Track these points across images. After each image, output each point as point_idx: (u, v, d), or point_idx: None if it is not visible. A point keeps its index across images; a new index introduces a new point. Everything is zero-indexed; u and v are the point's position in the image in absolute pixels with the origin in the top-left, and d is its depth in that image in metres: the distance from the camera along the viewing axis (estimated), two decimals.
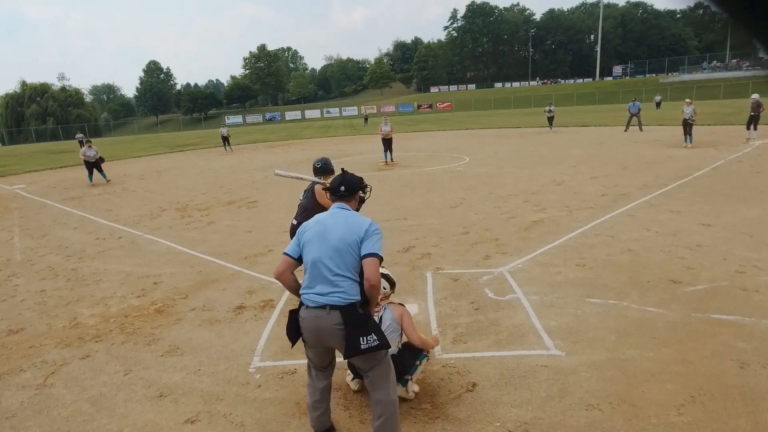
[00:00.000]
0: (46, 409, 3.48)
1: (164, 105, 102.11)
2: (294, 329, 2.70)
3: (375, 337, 2.56)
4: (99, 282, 6.20)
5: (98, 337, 4.59)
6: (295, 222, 4.87)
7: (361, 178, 2.96)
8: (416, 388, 3.38)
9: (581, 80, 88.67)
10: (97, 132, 78.17)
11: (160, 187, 14.42)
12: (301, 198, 5.07)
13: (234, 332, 4.52)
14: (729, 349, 3.70)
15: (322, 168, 4.90)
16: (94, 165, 15.89)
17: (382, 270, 3.16)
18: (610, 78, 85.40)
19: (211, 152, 27.14)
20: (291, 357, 3.99)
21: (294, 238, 2.78)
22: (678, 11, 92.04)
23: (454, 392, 3.37)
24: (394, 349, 3.19)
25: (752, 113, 16.48)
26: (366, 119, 45.58)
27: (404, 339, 3.33)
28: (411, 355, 3.29)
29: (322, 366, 2.86)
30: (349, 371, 3.51)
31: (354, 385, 3.49)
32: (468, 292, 5.10)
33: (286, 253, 2.74)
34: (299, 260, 2.71)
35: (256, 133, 44.16)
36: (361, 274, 2.62)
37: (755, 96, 16.71)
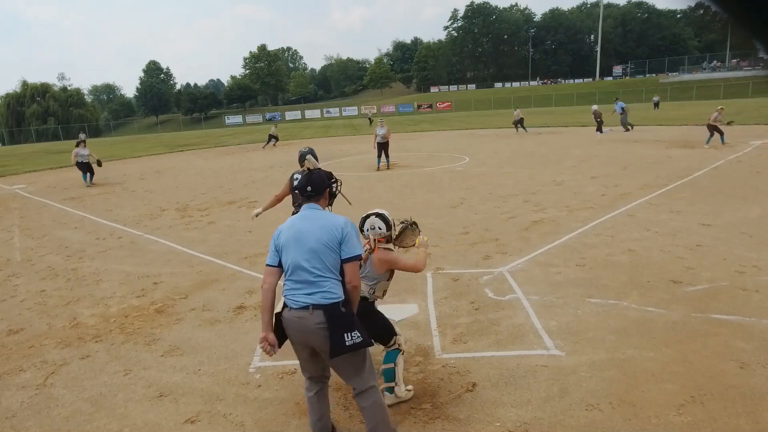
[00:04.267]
0: (46, 409, 3.48)
1: (164, 105, 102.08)
2: (280, 331, 2.69)
3: (359, 334, 2.55)
4: (99, 282, 6.21)
5: (98, 337, 4.59)
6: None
7: (329, 173, 2.91)
8: (407, 388, 3.37)
9: (581, 80, 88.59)
10: (98, 132, 78.25)
11: (160, 187, 14.42)
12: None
13: (234, 332, 4.52)
14: (729, 349, 3.70)
15: (299, 157, 5.13)
16: (87, 166, 15.70)
17: (378, 210, 3.31)
18: (610, 78, 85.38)
19: (212, 152, 27.15)
20: (291, 357, 3.97)
21: (270, 245, 2.74)
22: (678, 11, 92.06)
23: (454, 392, 3.37)
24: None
25: (597, 120, 21.28)
26: (371, 120, 45.40)
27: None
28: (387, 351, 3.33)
29: (313, 374, 2.83)
30: None
31: None
32: (468, 292, 5.10)
33: (268, 264, 2.71)
34: (281, 266, 2.69)
35: (257, 133, 44.15)
36: (342, 273, 2.64)
37: (595, 107, 22.29)
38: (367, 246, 3.28)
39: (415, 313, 4.65)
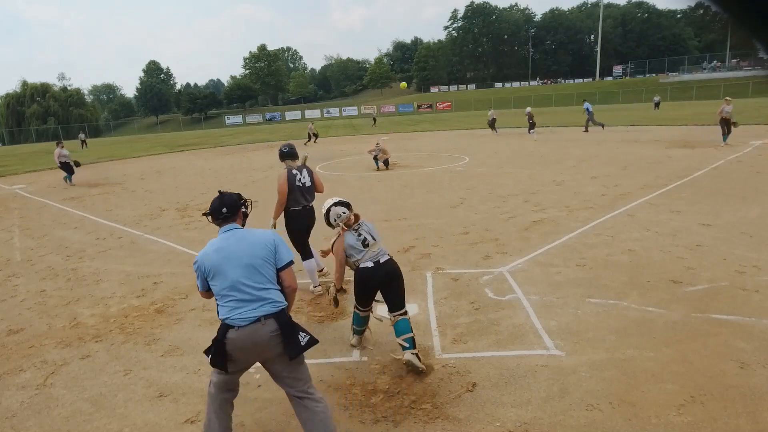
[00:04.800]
0: (46, 409, 3.48)
1: (164, 105, 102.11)
2: (222, 355, 2.63)
3: (307, 334, 2.68)
4: (99, 282, 6.21)
5: (98, 337, 4.59)
6: (312, 204, 5.25)
7: (238, 195, 2.99)
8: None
9: (581, 80, 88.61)
10: (98, 132, 78.26)
11: (160, 187, 14.42)
12: (305, 182, 5.14)
13: None
14: (729, 349, 3.70)
15: (289, 152, 5.18)
16: (69, 166, 16.15)
17: (335, 199, 3.95)
18: (610, 78, 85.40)
19: (212, 152, 27.15)
20: None
21: (197, 274, 2.77)
22: (678, 11, 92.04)
23: (454, 392, 3.37)
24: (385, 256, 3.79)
25: (530, 121, 22.89)
26: (375, 120, 45.16)
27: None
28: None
29: (232, 388, 2.83)
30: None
31: (354, 341, 4.11)
32: (468, 292, 5.10)
33: (202, 290, 2.83)
34: (210, 290, 2.75)
35: (257, 133, 44.17)
36: (280, 281, 2.77)
37: (528, 109, 23.73)
38: (345, 232, 3.83)
39: (415, 313, 4.65)
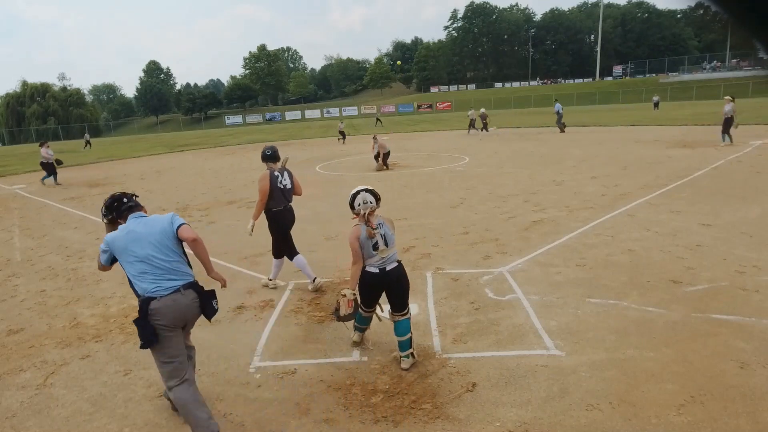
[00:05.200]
0: (46, 409, 3.48)
1: (164, 105, 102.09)
2: (149, 329, 2.88)
3: (216, 300, 3.21)
4: (99, 282, 6.21)
5: (98, 337, 4.59)
6: (291, 205, 5.41)
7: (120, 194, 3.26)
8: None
9: (581, 80, 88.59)
10: (98, 132, 78.15)
11: (160, 187, 14.42)
12: (286, 183, 5.30)
13: (234, 332, 4.52)
14: (729, 349, 3.70)
15: (272, 155, 5.37)
16: (53, 166, 16.32)
17: (366, 186, 3.71)
18: (610, 78, 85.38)
19: (211, 152, 27.15)
20: (291, 357, 4.00)
21: (104, 252, 3.11)
22: (678, 11, 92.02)
23: (454, 392, 3.37)
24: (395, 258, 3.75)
25: (483, 121, 25.38)
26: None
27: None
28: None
29: (182, 359, 3.03)
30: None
31: (356, 337, 4.07)
32: (468, 292, 5.10)
33: (103, 264, 3.21)
34: (110, 266, 3.20)
35: (257, 133, 44.18)
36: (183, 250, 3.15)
37: (482, 110, 25.75)
38: (361, 220, 3.66)
39: (415, 313, 4.65)
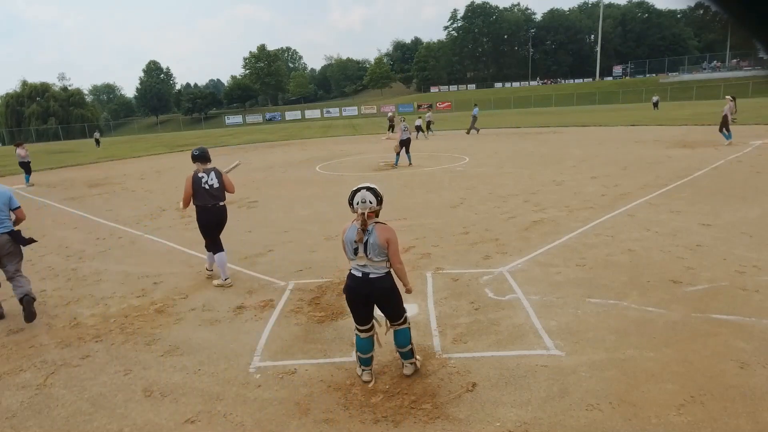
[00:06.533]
0: (46, 409, 3.48)
1: (164, 105, 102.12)
2: None
3: (30, 239, 5.28)
4: (99, 282, 6.21)
5: (98, 337, 4.59)
6: (224, 203, 5.74)
7: None
8: (417, 357, 3.67)
9: (581, 80, 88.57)
10: (99, 132, 78.16)
11: (160, 187, 14.42)
12: (213, 183, 5.59)
13: (234, 332, 4.52)
14: (729, 349, 3.70)
15: (199, 156, 5.69)
16: (28, 166, 16.87)
17: (370, 185, 3.36)
18: (610, 78, 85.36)
19: (211, 152, 27.06)
20: (291, 357, 4.00)
21: None
22: (678, 11, 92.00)
23: (454, 392, 3.37)
24: (382, 270, 3.38)
25: (428, 122, 26.83)
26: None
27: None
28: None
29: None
30: (361, 367, 3.59)
31: (366, 376, 3.58)
32: (468, 292, 5.10)
33: None
34: None
35: (257, 133, 44.17)
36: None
37: (429, 114, 27.74)
38: (356, 223, 3.30)
39: (415, 313, 4.65)
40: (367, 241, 3.27)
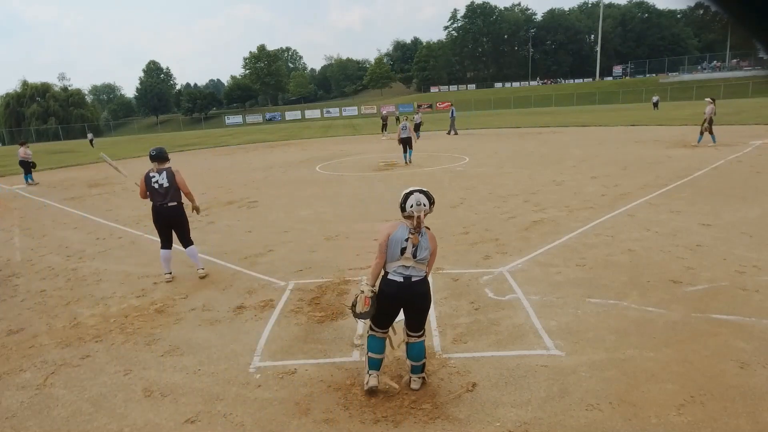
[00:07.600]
0: (46, 409, 3.48)
1: (164, 105, 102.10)
2: None
3: None
4: (99, 282, 6.21)
5: (98, 337, 4.59)
6: (175, 203, 5.97)
7: None
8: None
9: (581, 80, 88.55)
10: (98, 132, 78.15)
11: None
12: (162, 182, 5.92)
13: (234, 332, 4.52)
14: (729, 349, 3.70)
15: (155, 156, 6.03)
16: (28, 165, 17.06)
17: (415, 188, 3.33)
18: (610, 78, 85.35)
19: (211, 152, 27.15)
20: (291, 357, 4.00)
21: None
22: (678, 11, 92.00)
23: (454, 392, 3.37)
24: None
25: (416, 123, 24.99)
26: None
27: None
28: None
29: None
30: (370, 373, 3.45)
31: (373, 381, 3.42)
32: (468, 292, 5.10)
33: None
34: None
35: (257, 133, 44.17)
36: None
37: (417, 116, 25.34)
38: (407, 224, 3.30)
39: None
40: (418, 245, 3.28)
